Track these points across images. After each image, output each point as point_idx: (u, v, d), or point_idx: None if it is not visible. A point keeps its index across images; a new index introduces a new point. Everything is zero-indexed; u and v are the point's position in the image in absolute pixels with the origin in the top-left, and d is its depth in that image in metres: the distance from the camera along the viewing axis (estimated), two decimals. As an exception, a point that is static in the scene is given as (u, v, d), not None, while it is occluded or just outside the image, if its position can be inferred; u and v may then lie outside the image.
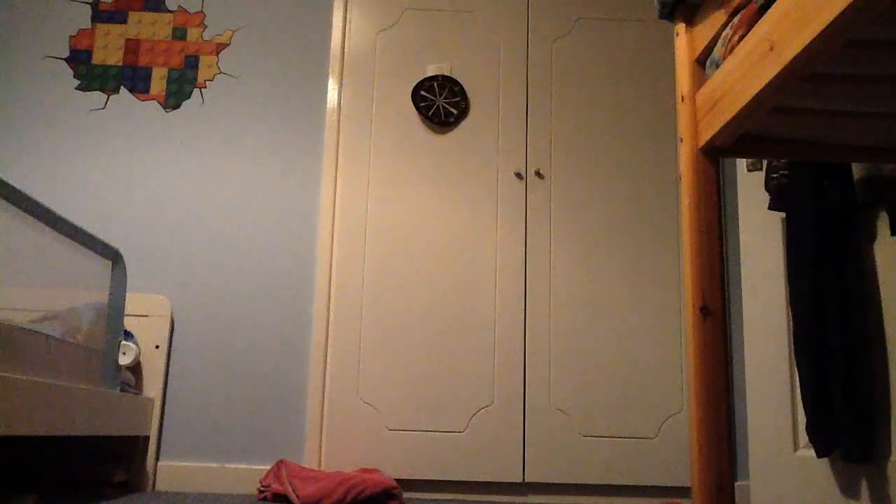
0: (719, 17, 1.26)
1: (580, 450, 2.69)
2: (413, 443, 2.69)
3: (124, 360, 2.52)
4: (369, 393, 2.73)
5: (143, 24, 3.04)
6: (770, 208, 2.07)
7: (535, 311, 2.79)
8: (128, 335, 2.61)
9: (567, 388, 2.74)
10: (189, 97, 2.99)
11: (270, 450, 2.69)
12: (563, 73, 3.00)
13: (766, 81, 1.06)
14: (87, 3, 3.06)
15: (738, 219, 2.52)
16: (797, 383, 2.00)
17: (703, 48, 1.34)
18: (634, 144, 2.94)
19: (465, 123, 2.94)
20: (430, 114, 2.92)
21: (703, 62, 1.36)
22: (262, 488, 2.45)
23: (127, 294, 2.67)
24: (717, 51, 1.26)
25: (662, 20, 1.46)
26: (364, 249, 2.84)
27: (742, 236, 2.25)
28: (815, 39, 0.93)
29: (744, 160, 2.24)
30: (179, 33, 3.04)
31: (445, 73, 2.92)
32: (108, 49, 3.02)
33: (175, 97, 2.99)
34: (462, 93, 2.92)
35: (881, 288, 1.83)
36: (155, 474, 2.64)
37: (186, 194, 2.90)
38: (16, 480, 2.51)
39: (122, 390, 2.41)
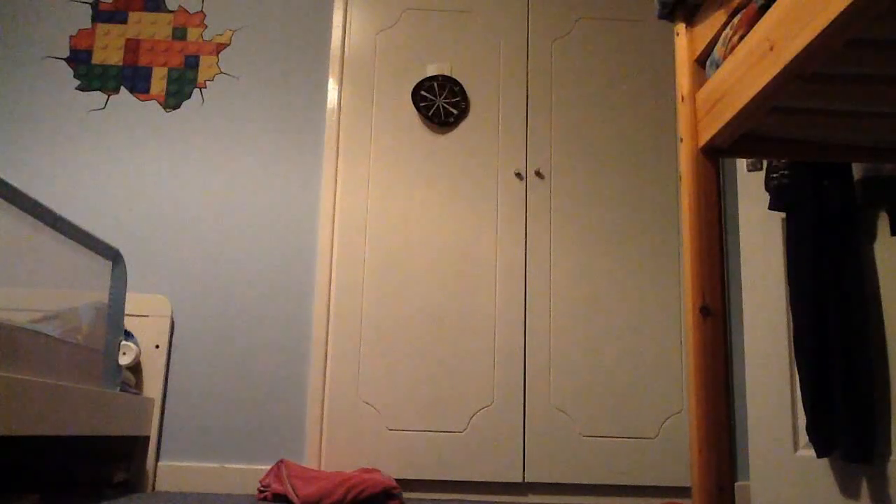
0: (719, 17, 1.26)
1: (580, 450, 2.69)
2: (413, 443, 2.69)
3: (124, 360, 2.52)
4: (369, 393, 2.73)
5: (144, 24, 3.04)
6: (770, 208, 2.07)
7: (535, 311, 2.79)
8: (128, 335, 2.61)
9: (567, 388, 2.74)
10: (189, 97, 2.99)
11: (270, 450, 2.69)
12: (563, 73, 3.00)
13: (766, 81, 1.06)
14: (87, 3, 3.06)
15: (738, 219, 2.52)
16: (797, 383, 2.00)
17: (703, 48, 1.34)
18: (634, 144, 2.94)
19: (465, 123, 2.94)
20: (430, 114, 2.92)
21: (703, 62, 1.36)
22: (262, 488, 2.45)
23: (127, 294, 2.67)
24: (717, 51, 1.26)
25: (662, 20, 1.46)
26: (364, 249, 2.84)
27: (742, 236, 2.25)
28: (815, 39, 0.93)
29: (744, 160, 2.24)
30: (179, 33, 3.04)
31: (445, 73, 2.92)
32: (109, 49, 3.02)
33: (175, 97, 2.99)
34: (462, 93, 2.92)
35: (881, 288, 1.83)
36: (155, 474, 2.64)
37: (186, 194, 2.90)
38: (16, 480, 2.51)
39: (122, 390, 2.41)
